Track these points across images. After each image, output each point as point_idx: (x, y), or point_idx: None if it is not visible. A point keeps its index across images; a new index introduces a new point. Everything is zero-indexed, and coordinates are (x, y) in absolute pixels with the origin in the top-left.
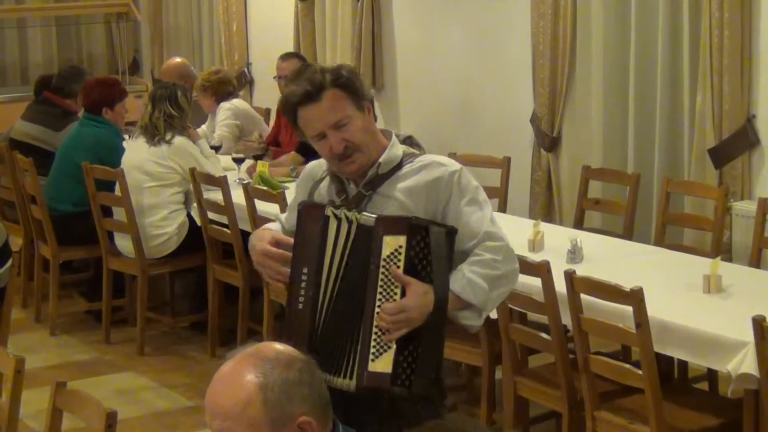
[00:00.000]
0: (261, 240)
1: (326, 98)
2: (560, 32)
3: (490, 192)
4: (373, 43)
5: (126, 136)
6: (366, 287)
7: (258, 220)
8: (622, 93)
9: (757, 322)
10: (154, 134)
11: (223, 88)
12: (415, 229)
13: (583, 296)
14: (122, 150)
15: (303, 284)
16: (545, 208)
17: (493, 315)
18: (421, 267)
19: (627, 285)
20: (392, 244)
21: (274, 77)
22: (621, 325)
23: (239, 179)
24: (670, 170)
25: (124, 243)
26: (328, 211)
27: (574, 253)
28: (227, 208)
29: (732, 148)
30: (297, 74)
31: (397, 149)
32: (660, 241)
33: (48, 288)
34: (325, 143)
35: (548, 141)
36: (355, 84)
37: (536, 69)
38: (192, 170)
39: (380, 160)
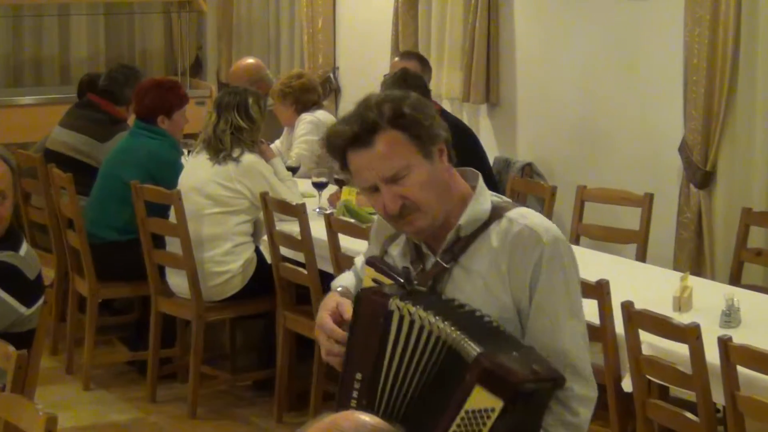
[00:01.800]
0: (323, 307)
1: (380, 142)
2: (720, 42)
3: (627, 236)
4: (488, 49)
5: (185, 151)
6: (436, 422)
7: (341, 259)
8: None
9: None
10: (218, 150)
11: (305, 97)
12: (520, 396)
13: (740, 369)
14: (180, 167)
15: (355, 393)
16: (695, 258)
17: (628, 388)
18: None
19: None
20: (483, 400)
21: (385, 75)
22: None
23: (320, 208)
24: None
25: (177, 281)
26: (393, 305)
27: (730, 315)
28: (304, 243)
29: None
30: (355, 108)
31: (483, 202)
32: None
33: (83, 332)
34: (377, 198)
35: (700, 176)
36: (421, 122)
37: (688, 86)
38: (263, 195)
39: (461, 221)
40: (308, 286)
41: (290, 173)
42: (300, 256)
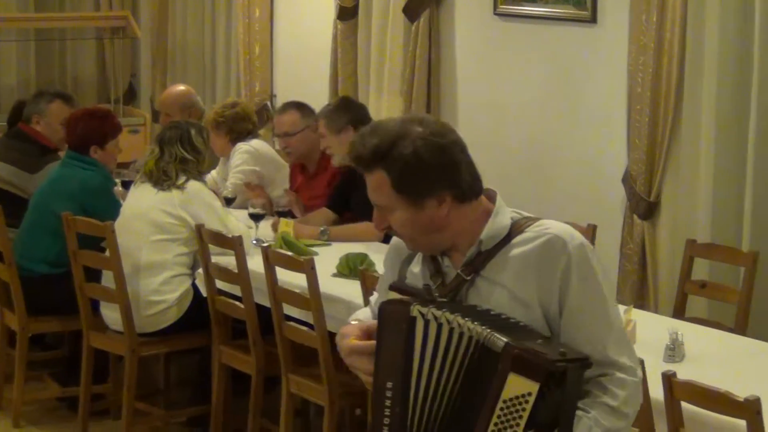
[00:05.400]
0: (344, 337)
1: (372, 175)
2: (664, 70)
3: None
4: (429, 76)
5: (117, 181)
6: (475, 419)
7: (278, 293)
8: (739, 149)
9: None
10: (162, 180)
11: (240, 126)
12: (553, 376)
13: (684, 405)
14: (113, 199)
15: (388, 401)
16: (638, 290)
17: None
18: (546, 414)
19: (740, 393)
20: (519, 387)
21: (273, 138)
22: None
23: (257, 240)
24: None
25: (111, 314)
26: (414, 311)
27: (674, 350)
28: (241, 276)
29: None
30: (374, 125)
31: (502, 218)
32: None
33: (13, 367)
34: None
35: (644, 206)
36: (412, 173)
37: (632, 116)
38: (198, 227)
39: (481, 236)
40: (244, 320)
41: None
42: (237, 290)
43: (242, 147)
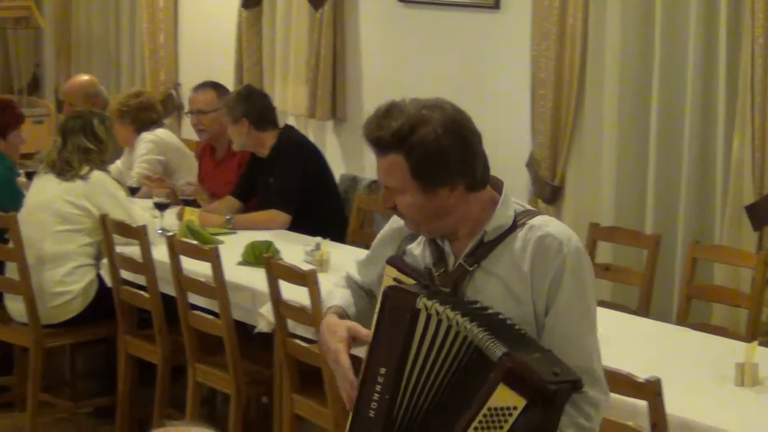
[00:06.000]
0: (333, 334)
1: (387, 158)
2: (567, 56)
3: None
4: (334, 65)
5: (21, 172)
6: (458, 417)
7: (183, 282)
8: (641, 134)
9: None
10: (65, 171)
11: (144, 115)
12: (542, 395)
13: None
14: (16, 190)
15: (378, 386)
16: None
17: None
18: (526, 429)
19: (641, 374)
20: (506, 398)
21: (186, 113)
22: (631, 424)
23: (162, 229)
24: (697, 231)
25: (15, 305)
26: (420, 304)
27: None
28: (145, 265)
29: None
30: (390, 107)
31: (506, 210)
32: (683, 319)
33: None
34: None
35: (548, 191)
36: (430, 161)
37: (535, 101)
38: (103, 217)
39: (486, 228)
40: (150, 310)
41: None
42: (141, 280)
43: (147, 137)
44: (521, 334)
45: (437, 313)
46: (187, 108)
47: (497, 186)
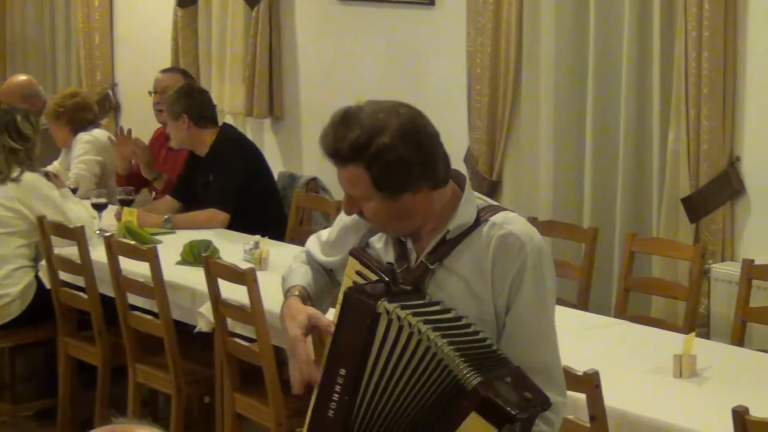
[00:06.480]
0: (293, 319)
1: (347, 169)
2: (502, 51)
3: None
4: (270, 62)
5: None
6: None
7: (122, 282)
8: (577, 128)
9: (739, 415)
10: None
11: (80, 116)
12: (513, 424)
13: None
14: None
15: (338, 387)
16: None
17: None
18: None
19: (579, 367)
20: (477, 427)
21: (149, 92)
22: (572, 417)
23: (100, 230)
24: (634, 224)
25: None
26: (381, 308)
27: None
28: (84, 266)
29: (711, 198)
30: (343, 117)
31: (470, 207)
32: (621, 312)
33: None
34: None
35: (486, 186)
36: (394, 175)
37: (472, 96)
38: (40, 219)
39: (449, 226)
40: (89, 311)
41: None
42: (80, 281)
43: (84, 137)
44: (489, 351)
45: (399, 318)
46: (151, 89)
47: (460, 181)
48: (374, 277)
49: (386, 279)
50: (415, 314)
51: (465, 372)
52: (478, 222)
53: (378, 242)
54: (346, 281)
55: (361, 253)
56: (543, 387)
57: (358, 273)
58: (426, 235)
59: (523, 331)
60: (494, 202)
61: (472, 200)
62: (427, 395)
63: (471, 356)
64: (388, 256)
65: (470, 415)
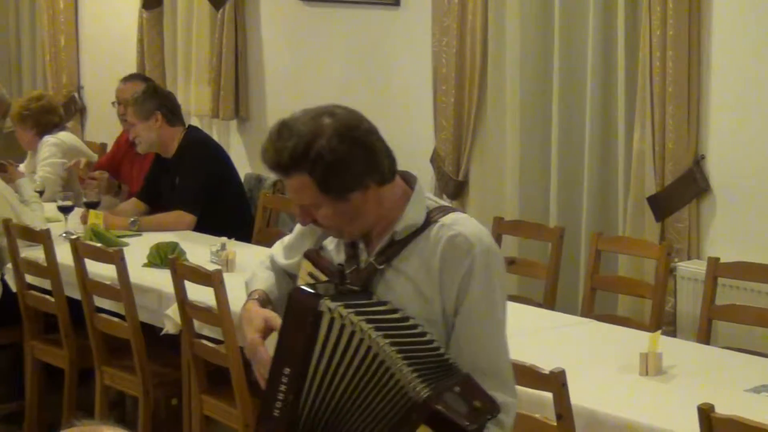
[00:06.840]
0: (249, 323)
1: (292, 179)
2: (468, 51)
3: None
4: (236, 63)
5: None
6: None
7: (89, 285)
8: (543, 128)
9: (704, 412)
10: None
11: (46, 119)
12: None
13: None
14: None
15: (283, 386)
16: None
17: None
18: None
19: (546, 366)
20: None
21: (113, 102)
22: (538, 416)
23: (66, 233)
24: (601, 223)
25: None
26: (323, 306)
27: None
28: (50, 269)
29: (676, 197)
30: (279, 130)
31: (418, 207)
32: (588, 311)
33: None
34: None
35: (452, 186)
36: (338, 176)
37: (438, 97)
38: (5, 222)
39: (396, 228)
40: (56, 314)
41: (38, 195)
42: (47, 284)
43: (49, 140)
44: (436, 355)
45: (341, 317)
46: (114, 99)
47: (410, 181)
48: (325, 278)
49: (335, 280)
50: (357, 313)
51: (411, 380)
52: (428, 223)
53: (330, 244)
54: (299, 283)
55: (314, 254)
56: (492, 388)
57: (310, 274)
58: (376, 236)
59: (471, 332)
60: (445, 203)
61: (422, 201)
62: (375, 400)
63: (417, 361)
64: (340, 258)
65: (420, 427)
